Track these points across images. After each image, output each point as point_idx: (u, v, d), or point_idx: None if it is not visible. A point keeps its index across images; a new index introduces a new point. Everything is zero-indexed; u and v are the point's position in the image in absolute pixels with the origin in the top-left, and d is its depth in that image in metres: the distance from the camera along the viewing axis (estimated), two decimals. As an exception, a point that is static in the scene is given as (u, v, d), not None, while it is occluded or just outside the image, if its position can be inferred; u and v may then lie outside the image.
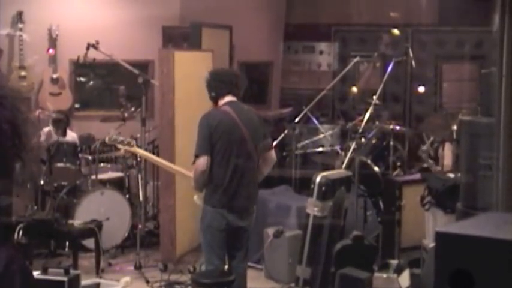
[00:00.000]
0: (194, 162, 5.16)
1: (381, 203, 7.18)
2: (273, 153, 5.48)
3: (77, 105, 8.79)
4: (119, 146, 6.04)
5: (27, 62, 8.22)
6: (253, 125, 5.28)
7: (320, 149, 8.59)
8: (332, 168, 7.22)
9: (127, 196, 7.61)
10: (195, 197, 5.32)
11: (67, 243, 6.93)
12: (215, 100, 5.31)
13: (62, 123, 7.57)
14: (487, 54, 9.18)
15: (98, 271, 6.48)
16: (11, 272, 1.59)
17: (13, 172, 1.70)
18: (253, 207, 5.36)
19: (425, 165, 7.38)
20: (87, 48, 7.15)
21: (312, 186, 5.81)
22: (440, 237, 2.30)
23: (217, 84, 5.28)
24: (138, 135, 7.37)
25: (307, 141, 8.52)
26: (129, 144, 5.95)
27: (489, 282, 2.18)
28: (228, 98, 5.27)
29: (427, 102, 10.10)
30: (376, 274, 5.44)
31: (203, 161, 5.04)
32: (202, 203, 5.23)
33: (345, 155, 7.13)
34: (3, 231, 5.91)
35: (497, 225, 2.43)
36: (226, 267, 5.36)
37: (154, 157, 6.26)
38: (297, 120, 8.08)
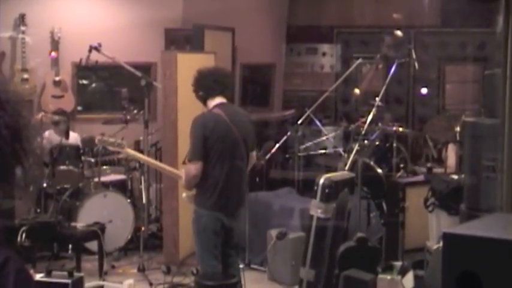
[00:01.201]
0: (184, 162, 5.20)
1: (384, 205, 7.17)
2: (254, 154, 5.55)
3: (79, 108, 8.80)
4: (109, 147, 6.00)
5: (30, 64, 8.22)
6: (245, 128, 5.30)
7: (323, 151, 8.58)
8: (335, 170, 7.22)
9: (130, 199, 7.61)
10: (184, 194, 5.32)
11: (70, 246, 6.91)
12: (204, 100, 5.26)
13: (63, 124, 7.58)
14: (490, 56, 9.18)
15: (101, 274, 6.47)
16: (5, 273, 1.59)
17: (13, 177, 1.70)
18: (243, 206, 5.51)
19: (428, 165, 7.36)
20: (90, 51, 7.14)
21: (315, 188, 5.81)
22: (447, 238, 2.28)
23: (208, 84, 5.22)
24: (141, 138, 7.38)
25: (310, 143, 8.52)
26: (120, 145, 5.80)
27: (497, 283, 2.17)
28: (219, 100, 5.23)
29: (430, 103, 10.09)
30: (380, 276, 5.43)
31: (196, 166, 5.04)
32: (191, 202, 5.24)
33: (348, 157, 7.11)
34: (5, 234, 5.92)
35: (504, 226, 2.43)
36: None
37: (143, 157, 6.25)
38: (299, 122, 8.07)
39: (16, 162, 1.68)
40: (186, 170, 5.13)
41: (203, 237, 5.21)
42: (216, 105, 5.20)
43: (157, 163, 6.02)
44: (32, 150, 1.71)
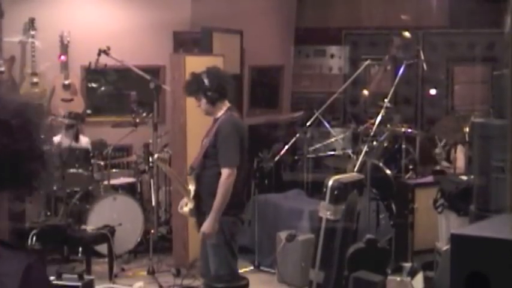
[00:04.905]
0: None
1: (393, 206, 7.16)
2: None
3: (88, 111, 8.80)
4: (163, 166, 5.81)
5: (39, 68, 8.25)
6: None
7: (332, 152, 8.58)
8: (344, 171, 7.21)
9: (139, 201, 7.62)
10: (185, 209, 5.27)
11: (80, 249, 6.95)
12: (213, 101, 5.01)
13: (73, 127, 7.60)
14: (499, 56, 9.15)
15: (111, 276, 6.50)
16: (28, 282, 1.55)
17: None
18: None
19: (438, 167, 7.35)
20: (99, 54, 7.16)
21: (325, 189, 5.81)
22: (455, 239, 2.29)
23: (224, 86, 5.04)
24: (150, 141, 7.39)
25: (319, 145, 8.52)
26: (163, 161, 5.72)
27: (505, 284, 2.17)
28: (228, 103, 5.11)
29: (439, 104, 10.07)
30: (390, 277, 5.42)
31: (235, 172, 4.92)
32: (191, 215, 5.25)
33: (357, 158, 7.12)
34: (15, 237, 5.95)
35: (512, 227, 2.42)
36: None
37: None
38: (308, 124, 8.07)
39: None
40: (227, 181, 4.90)
41: (232, 243, 5.07)
42: (229, 109, 5.08)
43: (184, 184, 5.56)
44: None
